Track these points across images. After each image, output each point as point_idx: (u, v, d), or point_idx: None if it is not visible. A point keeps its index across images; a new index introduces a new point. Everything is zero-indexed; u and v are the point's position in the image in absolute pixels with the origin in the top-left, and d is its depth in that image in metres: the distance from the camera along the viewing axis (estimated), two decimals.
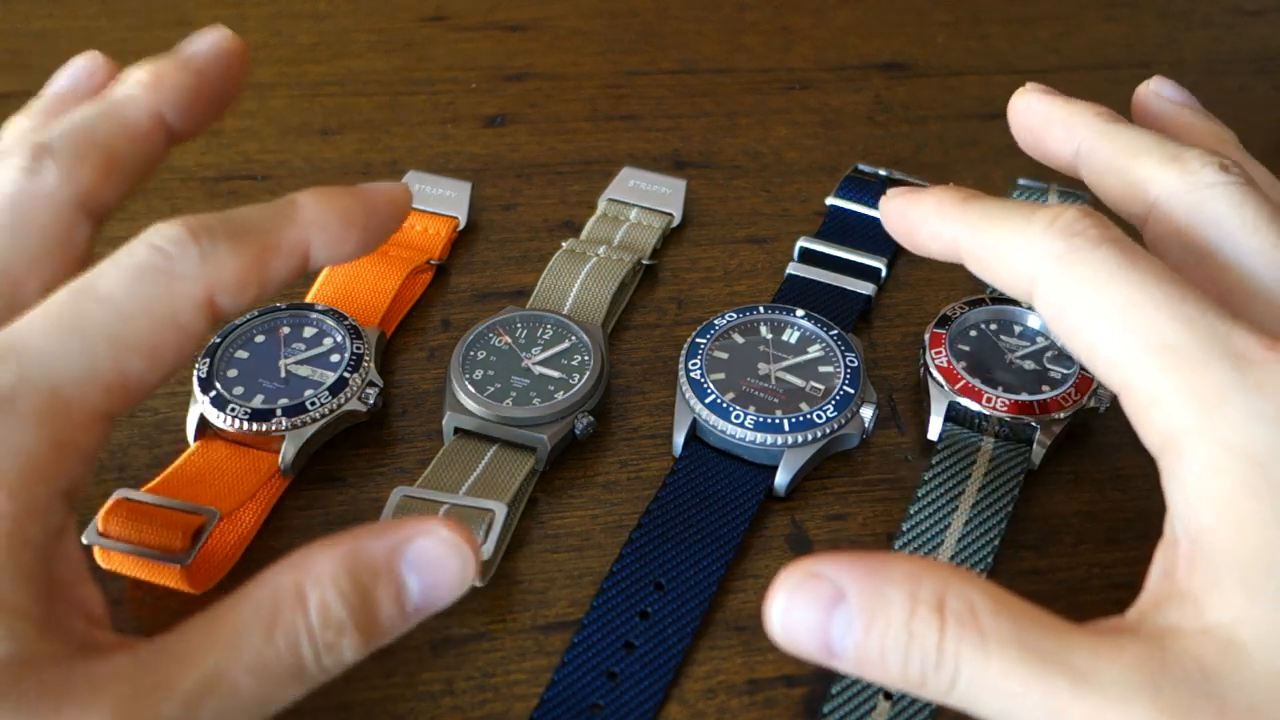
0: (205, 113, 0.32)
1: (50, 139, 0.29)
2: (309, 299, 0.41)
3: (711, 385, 0.37)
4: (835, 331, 0.39)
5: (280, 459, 0.35)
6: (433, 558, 0.26)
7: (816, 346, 0.39)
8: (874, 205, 0.46)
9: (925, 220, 0.31)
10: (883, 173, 0.48)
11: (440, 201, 0.45)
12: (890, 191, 0.32)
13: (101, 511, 0.32)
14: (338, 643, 0.25)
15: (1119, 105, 0.54)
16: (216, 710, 0.24)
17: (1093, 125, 0.32)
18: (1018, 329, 0.40)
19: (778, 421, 0.36)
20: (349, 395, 0.36)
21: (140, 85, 0.31)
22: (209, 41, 0.33)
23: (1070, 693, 0.23)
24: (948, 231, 0.30)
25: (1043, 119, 0.34)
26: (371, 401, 0.37)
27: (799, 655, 0.25)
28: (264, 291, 0.28)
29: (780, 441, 0.36)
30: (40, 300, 0.26)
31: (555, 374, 0.38)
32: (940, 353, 0.38)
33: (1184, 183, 0.30)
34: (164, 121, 0.31)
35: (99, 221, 0.30)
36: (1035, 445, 0.37)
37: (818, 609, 0.25)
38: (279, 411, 0.35)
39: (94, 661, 0.24)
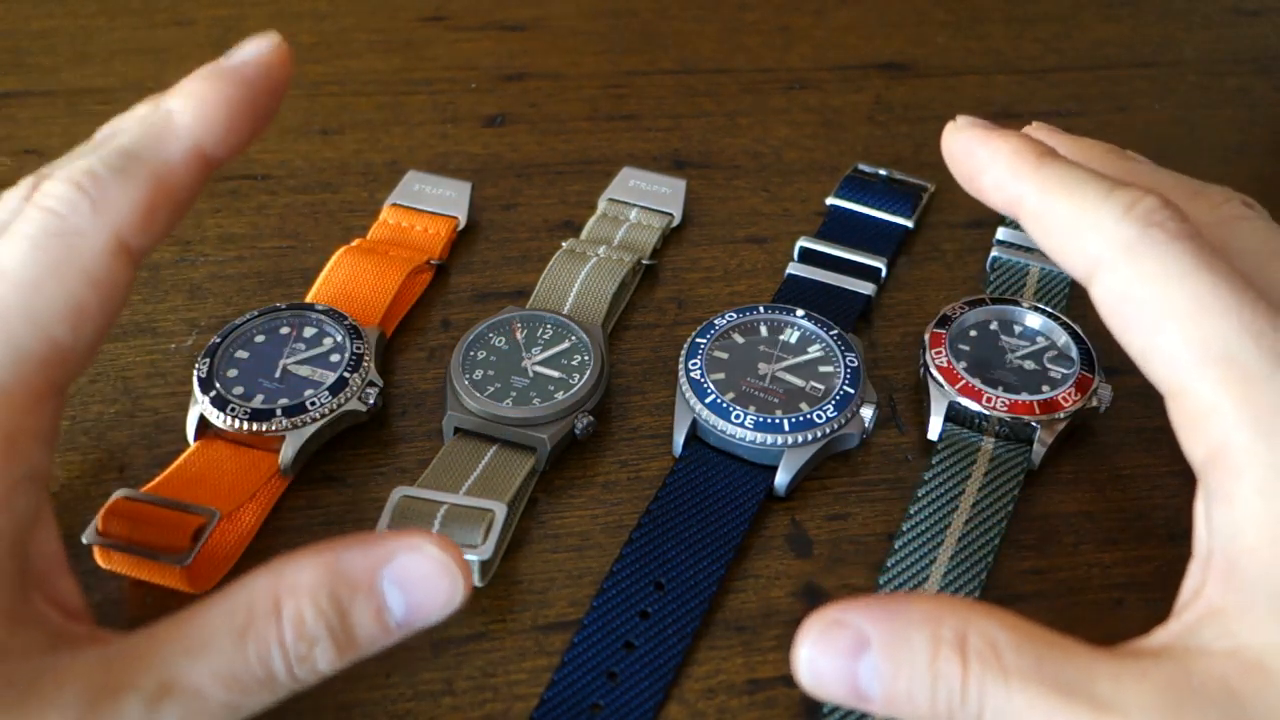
0: (246, 136, 0.30)
1: (86, 174, 0.27)
2: (309, 299, 0.41)
3: (711, 385, 0.37)
4: (835, 331, 0.39)
5: (280, 459, 0.35)
6: (418, 575, 0.25)
7: (816, 346, 0.39)
8: (874, 205, 0.46)
9: (992, 167, 0.29)
10: (883, 173, 0.48)
11: (440, 201, 0.45)
12: (960, 120, 0.30)
13: (101, 511, 0.32)
14: (310, 655, 0.24)
15: (1118, 104, 0.54)
16: (180, 713, 0.23)
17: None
18: (1018, 329, 0.40)
19: (778, 421, 0.36)
20: (349, 395, 0.36)
21: (182, 113, 0.28)
22: (253, 54, 0.30)
23: None
24: (1015, 188, 0.29)
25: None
26: (371, 401, 0.37)
27: (829, 700, 0.25)
28: (175, 214, 0.27)
29: (780, 441, 0.36)
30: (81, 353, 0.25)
31: (555, 374, 0.38)
32: (940, 353, 0.38)
33: (1214, 216, 0.29)
34: (203, 154, 0.29)
35: (137, 264, 0.28)
36: (1035, 445, 0.37)
37: (844, 657, 0.25)
38: (279, 411, 0.35)
39: (62, 656, 0.24)
